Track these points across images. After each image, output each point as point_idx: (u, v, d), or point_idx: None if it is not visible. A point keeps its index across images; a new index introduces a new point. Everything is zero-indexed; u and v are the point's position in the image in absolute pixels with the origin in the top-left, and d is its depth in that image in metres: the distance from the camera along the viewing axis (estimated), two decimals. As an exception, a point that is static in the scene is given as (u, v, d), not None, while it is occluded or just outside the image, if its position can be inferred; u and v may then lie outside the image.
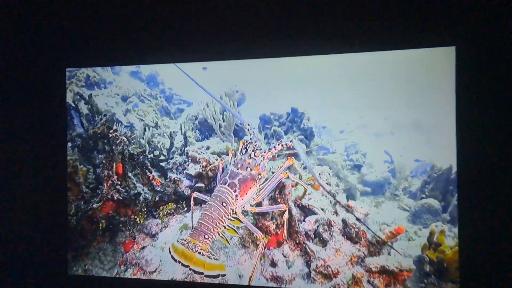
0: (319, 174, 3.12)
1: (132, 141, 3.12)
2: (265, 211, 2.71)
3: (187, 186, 3.10)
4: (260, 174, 2.61)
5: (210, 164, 3.08)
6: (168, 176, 3.10)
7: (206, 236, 2.36)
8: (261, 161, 2.60)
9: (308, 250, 2.64)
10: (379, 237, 2.49)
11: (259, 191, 2.63)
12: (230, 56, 2.95)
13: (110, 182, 2.82)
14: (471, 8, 2.41)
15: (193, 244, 2.31)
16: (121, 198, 2.91)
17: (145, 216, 3.00)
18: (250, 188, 2.55)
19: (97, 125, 2.92)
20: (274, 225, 2.78)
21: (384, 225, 2.60)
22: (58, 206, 3.01)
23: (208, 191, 3.09)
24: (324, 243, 2.65)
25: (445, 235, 2.58)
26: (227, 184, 2.52)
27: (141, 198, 2.99)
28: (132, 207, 2.97)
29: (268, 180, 2.63)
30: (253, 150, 2.61)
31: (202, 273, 2.21)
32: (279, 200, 2.78)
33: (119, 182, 2.90)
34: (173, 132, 3.46)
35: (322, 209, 2.86)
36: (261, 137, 4.02)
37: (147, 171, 3.02)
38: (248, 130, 2.78)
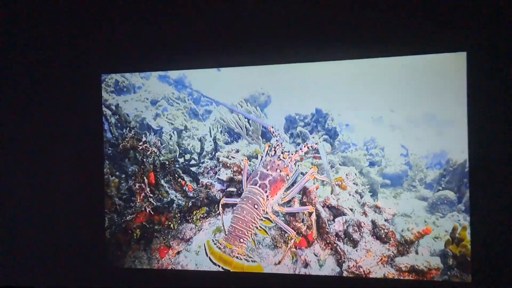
0: (346, 175, 3.18)
1: (162, 148, 3.22)
2: (293, 212, 2.79)
3: (218, 190, 3.21)
4: (288, 175, 2.68)
5: (241, 169, 3.17)
6: (200, 181, 3.22)
7: (241, 240, 2.44)
8: (289, 162, 2.66)
9: (339, 249, 2.74)
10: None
11: (287, 190, 2.71)
12: (256, 61, 3.10)
13: (143, 194, 2.93)
14: (482, 14, 2.49)
15: (230, 249, 2.41)
16: (154, 207, 3.01)
17: (179, 221, 3.12)
18: (279, 189, 2.62)
19: (126, 139, 2.97)
20: (305, 226, 2.86)
21: (412, 224, 2.65)
22: (95, 218, 3.15)
23: (239, 195, 3.19)
24: (354, 243, 2.73)
25: (467, 231, 2.65)
26: (258, 185, 2.57)
27: (174, 205, 3.10)
28: (166, 213, 3.09)
29: (294, 182, 2.75)
30: (282, 152, 2.66)
31: None
32: (307, 204, 2.85)
33: (151, 195, 2.98)
34: (203, 137, 3.57)
35: (351, 209, 2.92)
36: (287, 137, 4.11)
37: (179, 178, 3.13)
38: (273, 132, 2.83)
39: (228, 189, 3.20)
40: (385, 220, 2.72)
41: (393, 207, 2.82)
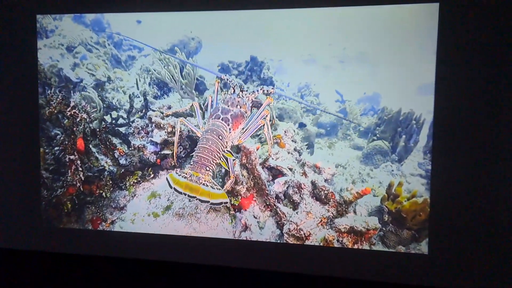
0: (285, 132, 3.11)
1: (92, 110, 2.91)
2: (249, 135, 2.83)
3: (152, 152, 3.02)
4: (246, 113, 2.83)
5: (175, 130, 2.98)
6: (131, 143, 2.99)
7: (207, 168, 2.56)
8: (246, 101, 2.82)
9: (279, 211, 2.72)
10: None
11: (243, 130, 2.81)
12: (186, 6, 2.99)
13: (74, 167, 2.67)
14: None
15: (196, 177, 2.52)
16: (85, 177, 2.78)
17: (111, 189, 2.92)
18: (240, 123, 2.77)
19: (51, 103, 2.66)
20: (245, 189, 2.81)
21: (350, 184, 2.68)
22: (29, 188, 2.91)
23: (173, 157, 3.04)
24: (295, 205, 2.74)
25: (403, 187, 2.72)
26: (221, 118, 2.70)
27: (105, 173, 2.88)
28: (97, 182, 2.87)
29: (249, 121, 2.82)
30: (241, 91, 2.83)
31: (208, 202, 2.50)
32: (247, 165, 2.79)
33: (81, 168, 2.75)
34: (132, 93, 3.28)
35: (290, 169, 2.89)
36: (240, 81, 3.90)
37: (109, 143, 2.87)
38: (227, 79, 2.92)
39: (162, 152, 3.01)
40: (325, 181, 2.74)
41: (332, 166, 2.83)
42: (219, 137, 2.61)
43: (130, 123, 3.22)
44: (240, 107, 2.78)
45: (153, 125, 3.02)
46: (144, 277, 2.90)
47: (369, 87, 4.43)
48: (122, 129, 3.17)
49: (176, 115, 3.18)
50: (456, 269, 2.54)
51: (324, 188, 2.65)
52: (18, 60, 3.08)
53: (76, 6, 3.20)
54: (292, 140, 3.13)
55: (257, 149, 2.82)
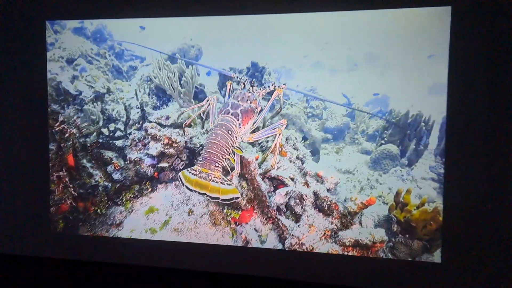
0: (286, 140, 3.00)
1: (84, 124, 2.84)
2: (260, 138, 2.78)
3: (149, 165, 2.92)
4: (257, 108, 2.73)
5: (172, 141, 2.89)
6: (128, 157, 2.90)
7: (217, 164, 2.45)
8: (257, 96, 2.74)
9: (281, 224, 2.60)
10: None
11: (254, 127, 2.76)
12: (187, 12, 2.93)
13: (62, 185, 2.59)
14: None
15: (206, 174, 2.42)
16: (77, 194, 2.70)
17: (106, 206, 2.83)
18: (250, 118, 2.67)
19: None
20: (245, 201, 2.70)
21: (355, 194, 2.55)
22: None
23: (171, 170, 2.94)
24: (297, 217, 2.62)
25: (411, 195, 2.59)
26: (230, 113, 2.61)
27: (100, 188, 2.79)
28: (91, 198, 2.78)
29: (266, 127, 2.78)
30: (251, 86, 2.74)
31: (218, 198, 2.37)
32: (246, 176, 2.68)
33: (71, 185, 2.67)
34: (129, 105, 3.19)
35: (292, 179, 2.76)
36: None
37: (102, 158, 2.78)
38: (237, 76, 2.89)
39: (159, 165, 2.92)
40: (328, 190, 2.60)
41: (336, 175, 2.69)
42: (228, 132, 2.51)
43: (128, 135, 3.13)
44: (251, 102, 2.69)
45: (149, 137, 2.92)
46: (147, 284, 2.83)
47: (377, 88, 4.32)
48: (119, 142, 3.09)
49: (175, 125, 3.11)
50: (470, 278, 2.40)
51: (326, 199, 2.53)
52: (27, 68, 3.08)
53: (82, 13, 3.17)
54: (294, 148, 3.01)
55: (256, 159, 2.71)
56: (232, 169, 2.63)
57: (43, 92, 3.03)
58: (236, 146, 2.57)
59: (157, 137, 2.89)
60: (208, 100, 2.82)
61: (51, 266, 2.97)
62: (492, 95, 2.35)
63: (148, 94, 3.65)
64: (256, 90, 2.75)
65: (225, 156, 2.48)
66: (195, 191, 2.38)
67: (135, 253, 2.84)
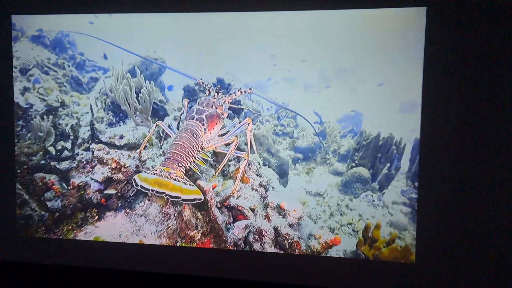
0: (249, 165, 2.76)
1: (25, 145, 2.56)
2: (225, 152, 2.64)
3: (96, 191, 2.64)
4: (223, 114, 2.77)
5: (121, 165, 2.61)
6: (71, 181, 2.61)
7: (180, 164, 2.39)
8: (223, 103, 2.78)
9: (238, 262, 2.36)
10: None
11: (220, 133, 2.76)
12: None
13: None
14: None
15: (167, 172, 2.32)
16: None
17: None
18: (216, 124, 2.69)
19: None
20: (199, 234, 2.45)
21: (319, 231, 2.33)
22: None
23: (119, 198, 2.67)
24: (254, 255, 2.37)
25: (380, 230, 2.46)
26: (195, 119, 2.62)
27: (35, 218, 2.48)
28: (26, 229, 2.48)
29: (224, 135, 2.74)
30: (216, 92, 2.80)
31: (179, 198, 2.25)
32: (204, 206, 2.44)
33: None
34: (76, 123, 2.91)
35: (253, 210, 2.53)
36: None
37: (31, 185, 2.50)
38: (202, 83, 2.96)
39: (106, 191, 2.64)
40: (290, 226, 2.37)
41: (299, 208, 2.46)
42: (193, 135, 2.50)
43: (75, 156, 2.84)
44: (216, 108, 2.72)
45: (96, 160, 2.64)
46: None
47: (350, 106, 4.17)
48: (66, 163, 2.79)
49: (129, 146, 2.84)
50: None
51: (288, 236, 2.30)
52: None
53: (50, 7, 3.00)
54: (257, 174, 2.78)
55: (213, 188, 2.46)
56: (202, 172, 2.63)
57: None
58: (203, 153, 2.58)
59: (104, 160, 2.61)
60: (156, 125, 2.75)
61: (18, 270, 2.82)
62: (465, 114, 2.30)
63: (104, 110, 3.38)
64: (221, 97, 2.79)
65: (189, 158, 2.44)
66: (153, 190, 2.24)
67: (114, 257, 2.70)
